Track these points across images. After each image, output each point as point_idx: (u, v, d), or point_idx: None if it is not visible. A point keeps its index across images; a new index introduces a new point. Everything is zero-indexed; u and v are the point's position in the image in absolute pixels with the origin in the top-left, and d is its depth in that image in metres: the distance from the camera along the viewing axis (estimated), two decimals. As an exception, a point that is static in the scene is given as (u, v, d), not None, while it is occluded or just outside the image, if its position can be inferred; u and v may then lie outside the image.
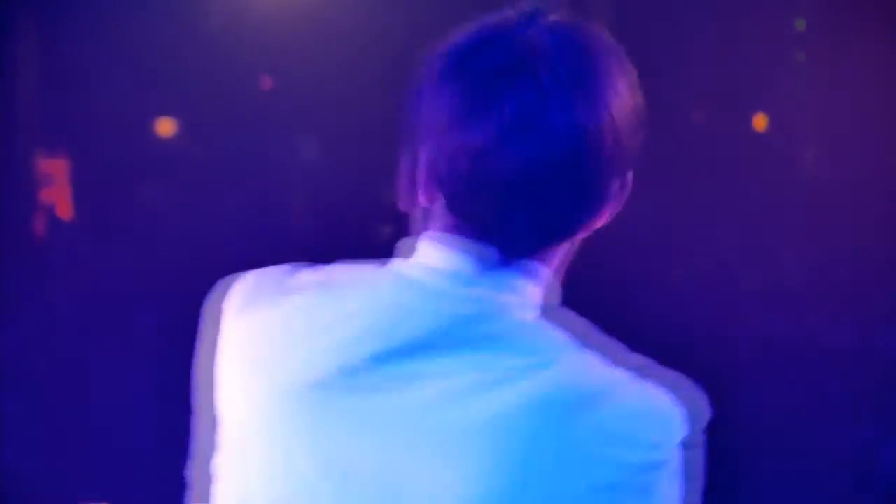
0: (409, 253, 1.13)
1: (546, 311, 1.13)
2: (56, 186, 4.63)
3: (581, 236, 1.14)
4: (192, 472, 1.16)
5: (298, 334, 1.10)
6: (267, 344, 1.11)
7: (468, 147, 1.07)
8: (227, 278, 1.17)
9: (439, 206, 1.11)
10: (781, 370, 3.75)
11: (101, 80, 4.41)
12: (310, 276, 1.15)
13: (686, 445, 1.07)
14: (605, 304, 3.84)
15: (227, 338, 1.13)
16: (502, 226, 1.09)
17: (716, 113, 3.88)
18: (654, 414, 1.06)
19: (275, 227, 4.77)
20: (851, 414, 3.69)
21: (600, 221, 1.14)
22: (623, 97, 1.09)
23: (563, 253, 1.14)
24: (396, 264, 1.12)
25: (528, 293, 1.10)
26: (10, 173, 4.41)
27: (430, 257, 1.11)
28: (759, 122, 3.70)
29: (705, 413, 1.10)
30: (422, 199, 1.12)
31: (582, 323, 1.12)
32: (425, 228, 1.13)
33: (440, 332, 1.07)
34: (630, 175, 1.14)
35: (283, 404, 1.08)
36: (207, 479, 1.14)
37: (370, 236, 4.20)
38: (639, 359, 1.11)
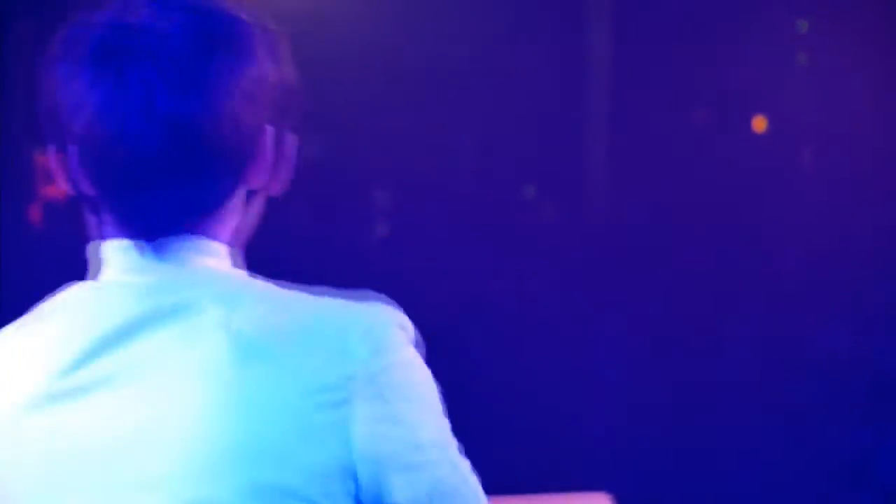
0: (94, 260, 1.16)
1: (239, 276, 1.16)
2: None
3: (235, 201, 1.16)
4: None
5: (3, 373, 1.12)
6: None
7: (87, 136, 1.10)
8: None
9: (98, 197, 1.14)
10: (780, 370, 3.75)
11: None
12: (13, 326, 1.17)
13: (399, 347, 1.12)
14: (604, 298, 3.84)
15: None
16: (139, 212, 1.12)
17: (717, 113, 3.87)
18: (353, 320, 1.10)
19: (276, 226, 4.74)
20: (849, 416, 3.69)
21: (253, 182, 1.17)
22: (249, 68, 1.12)
23: (224, 221, 1.16)
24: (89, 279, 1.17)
25: (201, 262, 1.13)
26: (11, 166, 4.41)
27: (107, 259, 1.15)
28: (759, 123, 3.70)
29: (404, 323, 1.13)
30: (82, 188, 1.15)
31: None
32: (96, 221, 1.16)
33: (130, 323, 1.09)
34: (286, 138, 1.18)
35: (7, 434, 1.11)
36: None
37: (367, 236, 4.21)
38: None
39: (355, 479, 1.07)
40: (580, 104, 3.83)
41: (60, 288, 1.18)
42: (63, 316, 1.13)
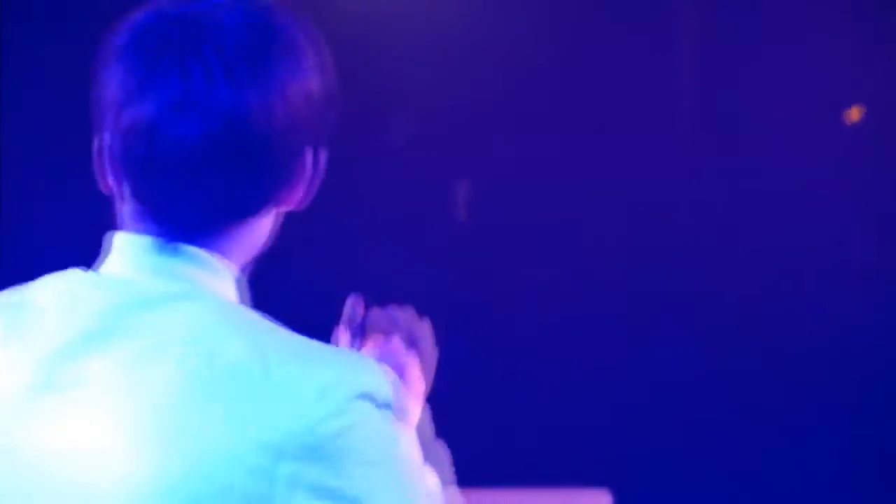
0: (105, 247, 1.15)
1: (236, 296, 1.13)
2: None
3: (265, 218, 1.14)
4: None
5: None
6: None
7: (134, 125, 1.08)
8: None
9: (127, 190, 1.12)
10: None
11: None
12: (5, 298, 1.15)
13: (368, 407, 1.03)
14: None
15: None
16: (170, 206, 1.09)
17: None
18: (313, 374, 1.03)
19: (361, 215, 4.70)
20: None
21: (287, 200, 1.14)
22: (301, 76, 1.10)
23: (250, 234, 1.14)
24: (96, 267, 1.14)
25: (197, 279, 1.10)
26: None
27: (111, 251, 1.13)
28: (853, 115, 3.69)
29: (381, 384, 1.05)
30: (110, 183, 1.13)
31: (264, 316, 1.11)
32: (121, 216, 1.14)
33: (105, 322, 1.06)
34: (321, 155, 1.15)
35: None
36: None
37: (447, 227, 4.17)
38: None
39: None
40: (665, 103, 3.79)
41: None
42: (48, 306, 1.10)
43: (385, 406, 1.04)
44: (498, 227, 4.00)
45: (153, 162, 1.08)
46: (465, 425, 3.74)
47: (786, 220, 3.73)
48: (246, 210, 1.11)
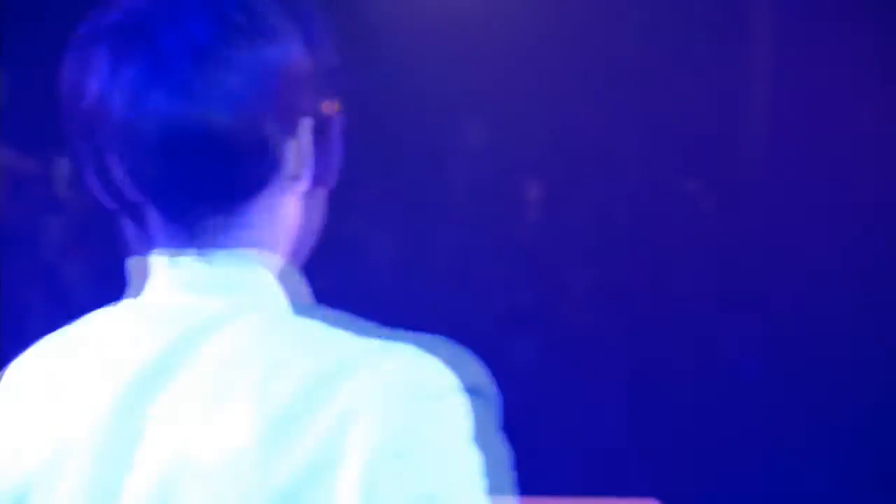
0: (136, 274, 1.11)
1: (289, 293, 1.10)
2: None
3: (282, 197, 1.10)
4: None
5: (41, 404, 1.08)
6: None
7: (108, 112, 1.04)
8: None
9: (131, 191, 1.08)
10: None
11: None
12: (57, 342, 1.12)
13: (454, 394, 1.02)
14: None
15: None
16: (167, 192, 1.06)
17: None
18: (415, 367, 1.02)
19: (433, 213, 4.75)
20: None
21: (298, 177, 1.10)
22: (278, 49, 1.06)
23: (273, 216, 1.10)
24: (132, 295, 1.11)
25: (244, 284, 1.08)
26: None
27: (153, 272, 1.10)
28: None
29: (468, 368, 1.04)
30: (103, 194, 1.10)
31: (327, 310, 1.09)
32: (139, 232, 1.11)
33: (172, 353, 1.04)
34: (332, 126, 1.12)
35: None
36: None
37: (519, 226, 4.21)
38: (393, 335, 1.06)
39: None
40: (738, 102, 3.83)
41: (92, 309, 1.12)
42: (110, 345, 1.07)
43: (462, 393, 1.03)
44: (564, 228, 4.01)
45: (139, 145, 1.04)
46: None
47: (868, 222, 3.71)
48: (237, 189, 1.07)
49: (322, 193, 1.15)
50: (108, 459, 1.03)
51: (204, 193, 1.06)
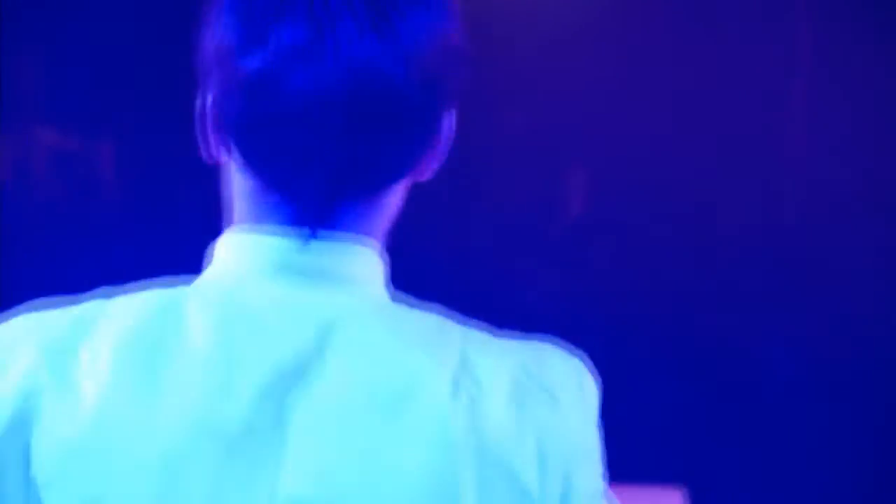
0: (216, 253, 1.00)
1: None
2: None
3: (400, 188, 1.03)
4: None
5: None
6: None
7: (245, 78, 0.94)
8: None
9: (240, 165, 0.99)
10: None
11: None
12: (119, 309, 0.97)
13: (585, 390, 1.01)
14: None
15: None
16: (294, 175, 0.95)
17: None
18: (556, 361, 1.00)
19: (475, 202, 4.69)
20: None
21: (425, 168, 1.03)
22: (438, 28, 0.98)
23: (389, 206, 1.03)
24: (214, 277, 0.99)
25: (354, 275, 0.99)
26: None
27: (248, 254, 0.98)
28: None
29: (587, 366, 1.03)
30: (215, 150, 1.00)
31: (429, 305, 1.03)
32: (235, 198, 1.01)
33: (307, 353, 0.95)
34: (452, 116, 1.03)
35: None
36: None
37: (562, 215, 4.16)
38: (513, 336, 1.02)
39: None
40: (785, 103, 3.77)
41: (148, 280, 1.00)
42: (200, 341, 0.94)
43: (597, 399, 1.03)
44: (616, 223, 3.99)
45: (263, 117, 0.95)
46: None
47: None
48: (386, 180, 0.99)
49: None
50: (242, 457, 0.91)
51: (364, 168, 0.96)
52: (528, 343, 1.00)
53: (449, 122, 1.03)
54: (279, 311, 0.95)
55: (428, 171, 1.03)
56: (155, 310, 0.95)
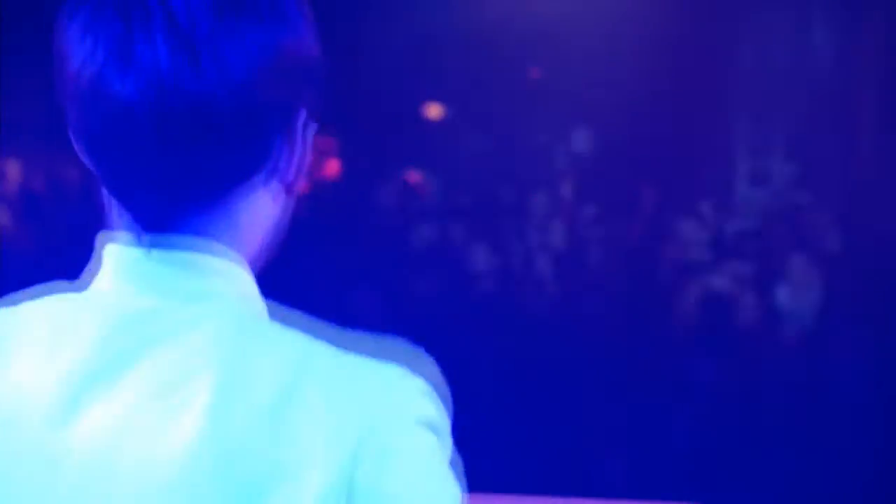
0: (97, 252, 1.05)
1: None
2: (326, 162, 4.86)
3: (259, 197, 1.03)
4: None
5: None
6: None
7: (72, 84, 0.98)
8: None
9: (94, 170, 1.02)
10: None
11: (371, 65, 4.49)
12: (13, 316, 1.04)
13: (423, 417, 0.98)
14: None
15: None
16: (125, 188, 0.99)
17: None
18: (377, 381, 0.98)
19: (541, 220, 4.77)
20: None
21: (276, 176, 1.03)
22: (253, 46, 0.98)
23: (240, 214, 1.03)
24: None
25: (200, 289, 1.00)
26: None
27: (106, 257, 1.03)
28: None
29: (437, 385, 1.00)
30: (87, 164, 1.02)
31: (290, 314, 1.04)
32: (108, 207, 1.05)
33: (110, 358, 0.97)
34: (309, 127, 1.05)
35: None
36: None
37: (643, 230, 4.28)
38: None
39: None
40: (853, 104, 3.85)
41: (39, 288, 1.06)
42: (40, 335, 1.00)
43: (431, 427, 0.98)
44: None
45: (98, 128, 0.97)
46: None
47: None
48: (212, 189, 1.00)
49: (291, 194, 1.08)
50: (40, 451, 0.97)
51: (184, 178, 0.98)
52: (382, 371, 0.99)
53: (302, 131, 1.04)
54: (104, 317, 0.99)
55: (288, 179, 1.04)
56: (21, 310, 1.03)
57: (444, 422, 0.99)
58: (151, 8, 0.96)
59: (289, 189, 1.06)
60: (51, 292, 1.04)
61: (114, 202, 1.02)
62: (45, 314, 1.02)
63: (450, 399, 1.00)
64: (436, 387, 1.00)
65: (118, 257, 1.01)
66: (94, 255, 1.03)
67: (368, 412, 0.95)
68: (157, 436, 0.94)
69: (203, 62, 0.95)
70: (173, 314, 0.98)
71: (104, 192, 1.03)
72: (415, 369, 1.00)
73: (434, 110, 5.27)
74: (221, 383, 0.94)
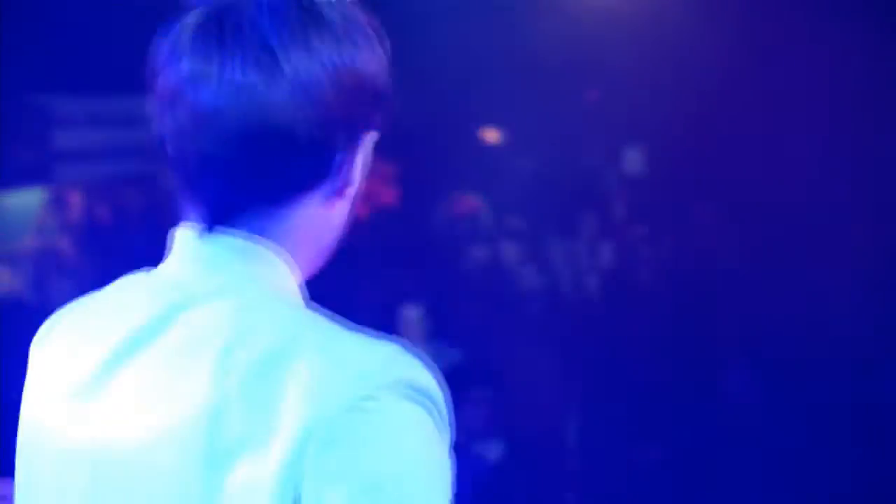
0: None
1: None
2: (385, 189, 4.96)
3: (314, 206, 1.10)
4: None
5: (64, 356, 1.11)
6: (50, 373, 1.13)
7: (161, 96, 1.08)
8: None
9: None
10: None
11: (428, 88, 4.54)
12: (89, 302, 1.15)
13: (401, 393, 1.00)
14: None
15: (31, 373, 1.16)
16: (202, 185, 1.07)
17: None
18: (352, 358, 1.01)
19: (601, 238, 4.85)
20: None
21: (338, 189, 1.10)
22: (323, 65, 1.06)
23: (302, 222, 1.10)
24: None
25: (239, 269, 1.07)
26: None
27: (172, 245, 1.12)
28: None
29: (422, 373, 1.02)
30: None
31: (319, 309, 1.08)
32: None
33: (148, 325, 1.06)
34: (370, 142, 1.12)
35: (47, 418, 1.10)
36: None
37: (698, 249, 4.32)
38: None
39: None
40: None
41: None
42: (107, 311, 1.11)
43: (421, 402, 1.00)
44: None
45: (178, 133, 1.06)
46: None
47: None
48: (277, 193, 1.07)
49: (349, 209, 1.13)
50: (74, 419, 1.07)
51: (253, 179, 1.06)
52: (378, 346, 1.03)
53: (364, 148, 1.11)
54: (148, 290, 1.09)
55: (342, 193, 1.10)
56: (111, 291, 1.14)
57: (436, 397, 1.01)
58: (238, 26, 1.05)
59: (345, 202, 1.11)
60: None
61: (188, 198, 1.10)
62: (112, 296, 1.12)
63: (450, 402, 1.02)
64: (433, 392, 1.02)
65: (182, 241, 1.09)
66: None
67: (353, 382, 0.98)
68: (168, 391, 1.02)
69: (280, 77, 1.03)
70: (204, 287, 1.06)
71: (179, 191, 1.11)
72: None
73: (491, 135, 5.47)
74: (226, 348, 1.01)
